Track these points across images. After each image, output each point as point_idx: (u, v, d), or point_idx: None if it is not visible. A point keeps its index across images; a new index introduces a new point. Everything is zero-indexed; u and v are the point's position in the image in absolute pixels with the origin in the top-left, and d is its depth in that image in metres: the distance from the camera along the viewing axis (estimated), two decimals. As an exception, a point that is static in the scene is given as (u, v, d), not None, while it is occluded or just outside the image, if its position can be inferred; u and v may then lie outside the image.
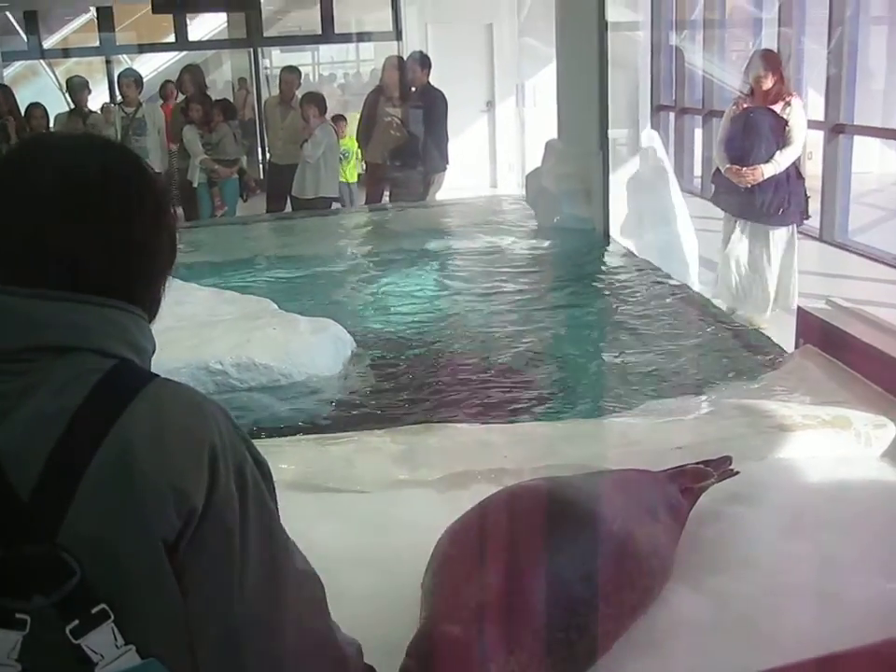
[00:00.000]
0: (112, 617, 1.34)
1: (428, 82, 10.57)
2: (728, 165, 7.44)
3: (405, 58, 11.20)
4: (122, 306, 1.46)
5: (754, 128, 7.29)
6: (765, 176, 7.19)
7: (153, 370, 1.50)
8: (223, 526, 1.39)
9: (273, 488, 1.52)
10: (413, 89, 10.61)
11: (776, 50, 10.72)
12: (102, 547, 1.33)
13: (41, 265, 1.41)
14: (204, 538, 1.38)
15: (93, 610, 1.33)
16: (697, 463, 3.21)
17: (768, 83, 7.27)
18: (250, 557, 1.42)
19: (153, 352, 1.54)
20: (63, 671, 1.36)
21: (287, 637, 1.47)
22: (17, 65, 15.80)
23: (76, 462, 1.33)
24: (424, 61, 10.63)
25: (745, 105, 7.51)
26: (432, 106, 10.50)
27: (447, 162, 10.74)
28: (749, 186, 7.31)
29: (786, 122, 7.26)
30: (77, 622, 1.33)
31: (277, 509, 1.52)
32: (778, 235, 7.38)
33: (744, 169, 7.32)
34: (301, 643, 1.50)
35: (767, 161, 7.24)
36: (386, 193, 11.07)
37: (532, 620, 2.21)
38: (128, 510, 1.34)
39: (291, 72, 11.25)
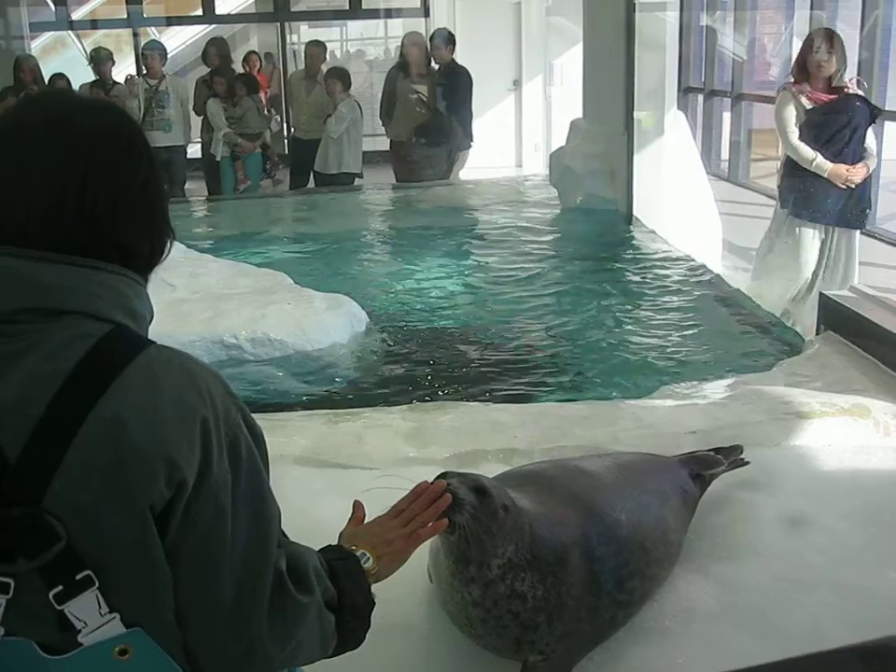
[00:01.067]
0: (97, 584, 1.33)
1: (453, 59, 10.49)
2: (827, 165, 6.14)
3: (429, 34, 11.09)
4: (117, 270, 1.43)
5: (850, 119, 6.19)
6: (870, 172, 6.21)
7: (167, 342, 1.46)
8: (216, 504, 1.37)
9: (266, 454, 1.50)
10: (438, 66, 10.54)
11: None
12: (89, 513, 1.31)
13: (36, 228, 1.38)
14: (197, 516, 1.36)
15: (78, 576, 1.32)
16: (709, 450, 3.17)
17: (831, 67, 6.41)
18: (240, 529, 1.40)
19: (151, 319, 1.51)
20: (46, 637, 1.35)
21: (265, 595, 1.44)
22: (46, 36, 15.79)
23: (66, 426, 1.31)
24: (449, 38, 10.53)
25: (812, 93, 6.53)
26: (457, 84, 10.42)
27: (471, 140, 10.66)
28: (848, 186, 6.17)
29: (879, 111, 6.27)
30: (60, 587, 1.31)
31: (268, 474, 1.49)
32: (857, 239, 6.39)
33: (853, 167, 6.12)
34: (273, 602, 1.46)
35: (863, 157, 6.19)
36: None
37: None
38: (117, 478, 1.31)
39: (317, 46, 11.17)
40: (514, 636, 2.21)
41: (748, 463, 3.18)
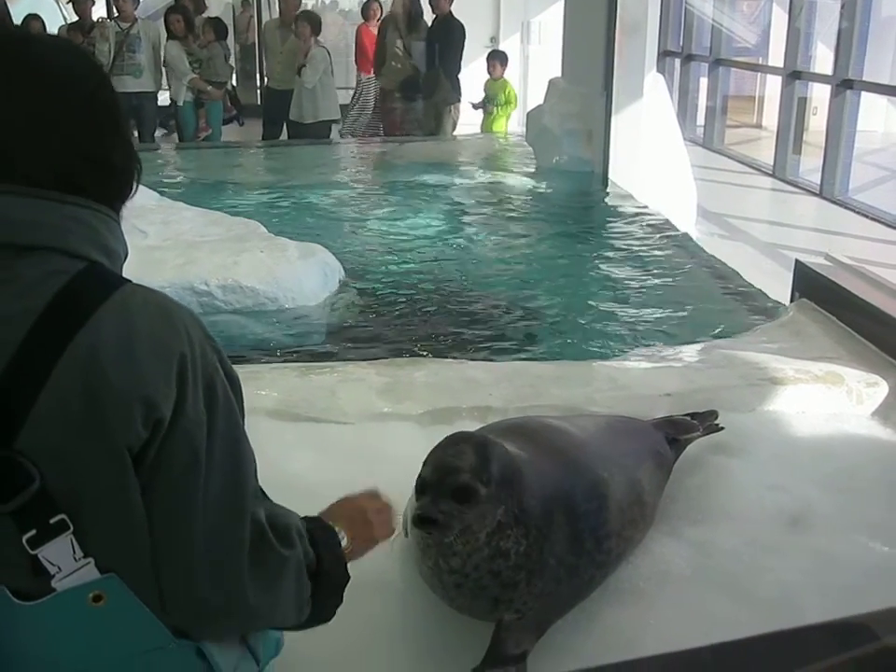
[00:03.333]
0: (71, 528, 1.29)
1: (450, 11, 10.36)
2: None
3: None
4: (90, 204, 1.37)
5: None
6: None
7: None
8: (191, 445, 1.33)
9: (242, 401, 1.46)
10: (434, 16, 10.44)
11: (787, 2, 10.54)
12: (64, 456, 1.27)
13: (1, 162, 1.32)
14: (171, 454, 1.32)
15: (52, 520, 1.28)
16: (684, 415, 3.17)
17: None
18: (215, 472, 1.36)
19: (125, 257, 1.46)
20: (18, 583, 1.32)
21: (243, 541, 1.41)
22: (14, -25, 15.45)
23: (38, 367, 1.26)
24: None
25: None
26: (452, 37, 10.33)
27: (460, 94, 10.60)
28: None
29: None
30: (34, 531, 1.28)
31: (244, 420, 1.46)
32: None
33: None
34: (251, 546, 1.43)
35: None
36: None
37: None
38: (93, 419, 1.27)
39: (290, -8, 11.00)
40: (492, 596, 2.16)
41: (722, 429, 3.19)
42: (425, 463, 2.12)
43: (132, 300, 1.34)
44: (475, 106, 11.05)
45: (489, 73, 11.03)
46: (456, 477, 2.04)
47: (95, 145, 1.39)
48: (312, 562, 1.52)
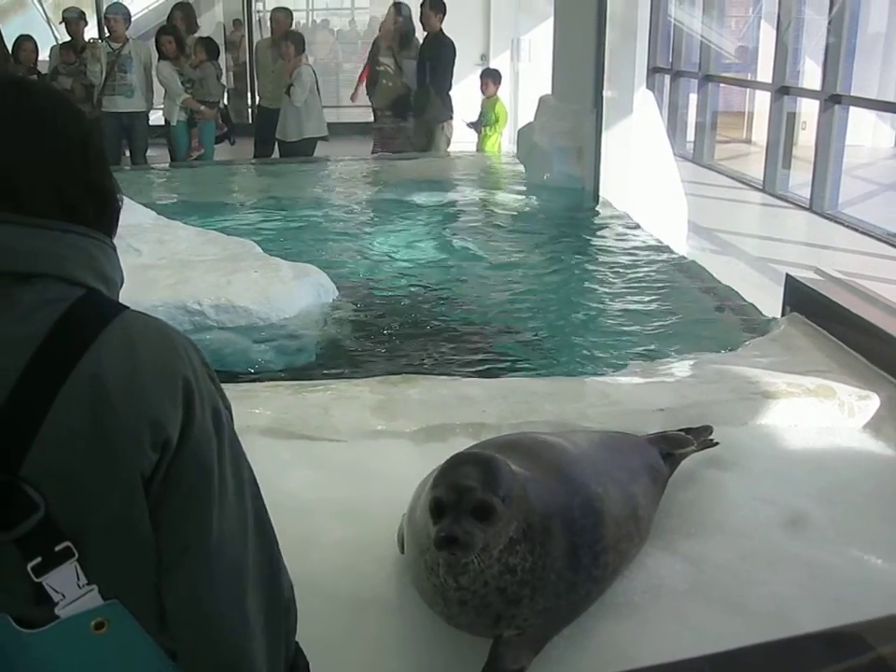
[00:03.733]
0: (76, 555, 1.29)
1: (441, 29, 10.41)
2: None
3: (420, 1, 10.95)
4: (87, 232, 1.39)
5: None
6: None
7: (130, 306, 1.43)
8: (199, 464, 1.34)
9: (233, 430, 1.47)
10: (425, 34, 10.49)
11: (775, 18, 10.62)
12: (69, 482, 1.28)
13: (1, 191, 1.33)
14: (179, 474, 1.33)
15: (57, 548, 1.28)
16: (678, 430, 3.19)
17: None
18: (228, 497, 1.37)
19: (121, 284, 1.47)
20: (22, 610, 1.32)
21: (253, 570, 1.42)
22: (4, -3, 15.48)
23: (42, 393, 1.27)
24: (436, 5, 10.36)
25: None
26: (440, 54, 10.36)
27: (451, 112, 10.64)
28: None
29: None
30: (39, 559, 1.28)
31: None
32: None
33: None
34: (261, 575, 1.45)
35: None
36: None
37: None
38: (98, 444, 1.28)
39: (282, 12, 10.99)
40: (496, 613, 2.17)
41: (717, 444, 3.20)
42: (435, 485, 2.12)
43: (132, 326, 1.35)
44: (469, 125, 11.11)
45: (482, 91, 11.09)
46: (474, 494, 2.05)
47: (93, 177, 1.42)
48: (291, 648, 1.53)
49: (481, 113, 11.14)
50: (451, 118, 10.66)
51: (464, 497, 2.04)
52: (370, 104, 11.32)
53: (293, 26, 11.12)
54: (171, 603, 1.37)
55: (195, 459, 1.34)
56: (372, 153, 11.28)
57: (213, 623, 1.38)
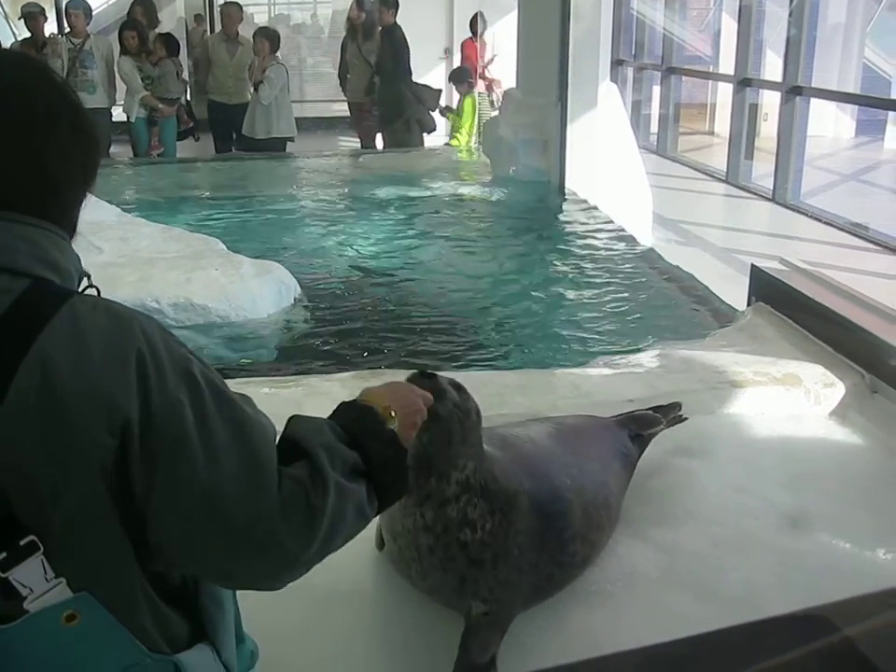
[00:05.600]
0: (42, 549, 1.28)
1: (395, 23, 10.46)
2: None
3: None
4: (37, 223, 1.36)
5: None
6: None
7: None
8: (169, 433, 1.31)
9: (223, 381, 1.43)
10: (380, 28, 10.55)
11: (736, 10, 10.70)
12: (29, 475, 1.26)
13: None
14: (153, 449, 1.30)
15: (22, 542, 1.27)
16: (647, 409, 3.20)
17: None
18: (223, 457, 1.34)
19: (79, 275, 1.45)
20: None
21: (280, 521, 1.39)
22: (-40, -9, 15.27)
23: None
24: (387, 1, 10.50)
25: None
26: (392, 47, 10.45)
27: (424, 103, 10.77)
28: None
29: None
30: (4, 554, 1.27)
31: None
32: None
33: None
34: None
35: None
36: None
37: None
38: (52, 434, 1.26)
39: (232, 6, 10.90)
40: (460, 572, 2.22)
41: (686, 419, 3.21)
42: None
43: (81, 307, 1.32)
44: (441, 111, 11.23)
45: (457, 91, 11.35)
46: (452, 379, 2.26)
47: (45, 161, 1.38)
48: (357, 463, 1.49)
49: (457, 107, 11.28)
50: (426, 109, 10.74)
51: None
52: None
53: (242, 20, 11.08)
54: (215, 565, 1.40)
55: (165, 430, 1.30)
56: (362, 146, 11.38)
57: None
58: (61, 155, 1.40)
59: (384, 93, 10.59)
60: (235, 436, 1.37)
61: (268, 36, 10.13)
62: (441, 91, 11.28)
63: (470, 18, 12.23)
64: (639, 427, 3.04)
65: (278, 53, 10.30)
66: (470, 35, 12.21)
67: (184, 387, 1.33)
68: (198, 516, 1.34)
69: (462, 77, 11.29)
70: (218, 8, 14.75)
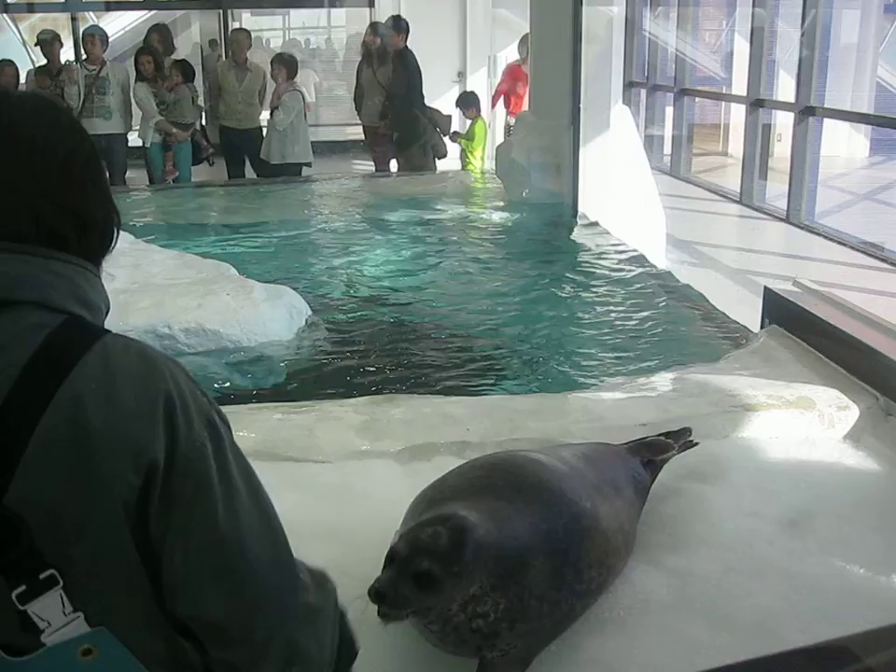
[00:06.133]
0: (61, 583, 1.29)
1: (406, 47, 10.52)
2: None
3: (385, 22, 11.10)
4: (71, 259, 1.39)
5: None
6: None
7: None
8: (194, 477, 1.33)
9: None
10: (390, 53, 10.61)
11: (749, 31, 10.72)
12: (52, 511, 1.27)
13: None
14: (176, 492, 1.32)
15: (42, 576, 1.28)
16: (658, 435, 3.19)
17: None
18: (241, 498, 1.37)
19: (107, 310, 1.47)
20: (8, 637, 1.31)
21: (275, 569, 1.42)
22: (-21, 20, 15.44)
23: (24, 420, 1.27)
24: (398, 26, 10.57)
25: None
26: (404, 72, 10.49)
27: (437, 127, 10.81)
28: None
29: None
30: (23, 587, 1.28)
31: None
32: None
33: None
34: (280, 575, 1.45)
35: None
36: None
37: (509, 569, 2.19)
38: (80, 471, 1.28)
39: (241, 33, 11.04)
40: (476, 645, 2.19)
41: (697, 444, 3.20)
42: (403, 530, 2.16)
43: (112, 348, 1.35)
44: (450, 137, 11.20)
45: (465, 116, 11.27)
46: (422, 563, 2.02)
47: (77, 202, 1.41)
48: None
49: (466, 132, 11.26)
50: (440, 133, 10.76)
51: (414, 560, 2.02)
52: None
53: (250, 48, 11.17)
54: (214, 614, 1.37)
55: (189, 473, 1.33)
56: (377, 170, 11.40)
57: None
58: (83, 188, 1.43)
59: (399, 118, 10.61)
60: (251, 494, 1.40)
61: (285, 62, 10.22)
62: (450, 116, 11.28)
63: (519, 39, 11.71)
64: (651, 453, 3.03)
65: (296, 79, 10.38)
66: (519, 58, 11.64)
67: (206, 434, 1.36)
68: (208, 560, 1.35)
69: (469, 102, 11.28)
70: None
